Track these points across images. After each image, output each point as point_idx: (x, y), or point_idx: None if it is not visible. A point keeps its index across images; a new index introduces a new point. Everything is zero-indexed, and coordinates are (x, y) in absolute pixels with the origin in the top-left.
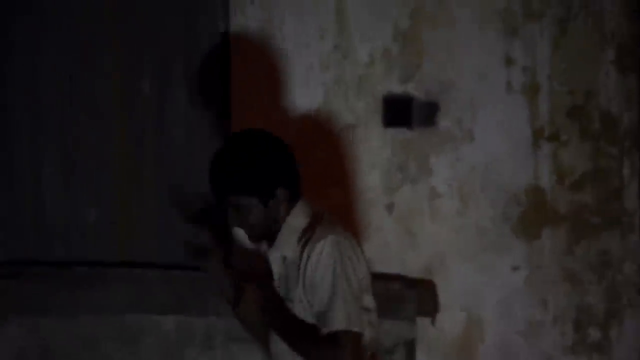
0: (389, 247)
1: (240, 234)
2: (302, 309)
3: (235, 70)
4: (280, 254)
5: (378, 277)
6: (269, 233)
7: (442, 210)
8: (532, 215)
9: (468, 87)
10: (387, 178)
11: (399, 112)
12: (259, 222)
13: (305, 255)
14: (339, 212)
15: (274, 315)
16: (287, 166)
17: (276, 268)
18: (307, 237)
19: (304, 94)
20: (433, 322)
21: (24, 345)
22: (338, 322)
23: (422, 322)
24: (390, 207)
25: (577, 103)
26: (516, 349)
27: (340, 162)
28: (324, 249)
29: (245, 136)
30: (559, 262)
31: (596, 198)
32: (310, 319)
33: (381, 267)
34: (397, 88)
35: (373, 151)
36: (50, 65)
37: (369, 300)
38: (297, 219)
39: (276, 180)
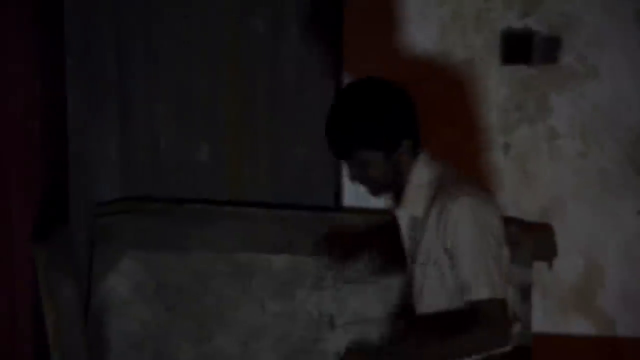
0: (505, 189)
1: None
2: (435, 271)
3: (348, 5)
4: (410, 214)
5: None
6: (391, 187)
7: (562, 150)
8: None
9: (593, 20)
10: (504, 117)
11: (518, 47)
12: (381, 175)
13: (436, 216)
14: (452, 152)
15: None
16: (411, 116)
17: (405, 229)
18: (437, 196)
19: (420, 30)
20: (550, 267)
21: (140, 279)
22: (482, 291)
23: (539, 266)
24: (506, 147)
25: None
26: (639, 296)
27: (455, 100)
28: (460, 212)
29: (364, 86)
30: None
31: None
32: (445, 282)
33: None
34: (517, 23)
35: (490, 89)
36: (165, 5)
37: (505, 254)
38: (422, 174)
39: (401, 131)
